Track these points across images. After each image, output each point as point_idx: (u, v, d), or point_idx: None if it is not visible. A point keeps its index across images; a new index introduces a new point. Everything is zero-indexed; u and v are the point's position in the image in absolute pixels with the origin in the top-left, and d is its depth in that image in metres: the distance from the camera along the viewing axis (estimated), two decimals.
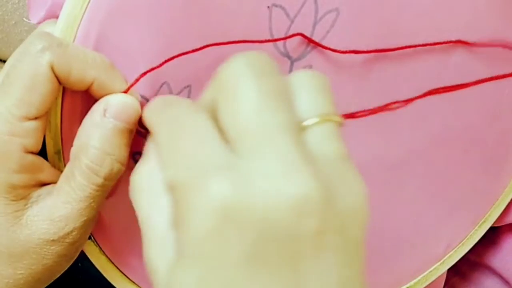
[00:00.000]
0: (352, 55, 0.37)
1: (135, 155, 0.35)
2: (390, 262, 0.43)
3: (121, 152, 0.31)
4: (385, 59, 0.37)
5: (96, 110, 0.31)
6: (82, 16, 0.32)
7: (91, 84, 0.31)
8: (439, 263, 0.44)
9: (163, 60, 0.33)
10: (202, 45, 0.34)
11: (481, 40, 0.38)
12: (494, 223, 0.46)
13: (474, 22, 0.38)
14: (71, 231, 0.32)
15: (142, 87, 0.34)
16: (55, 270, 0.33)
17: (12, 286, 0.32)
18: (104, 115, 0.31)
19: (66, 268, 0.34)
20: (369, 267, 0.42)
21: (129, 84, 0.32)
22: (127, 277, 0.38)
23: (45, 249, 0.32)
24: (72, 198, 0.31)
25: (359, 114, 0.36)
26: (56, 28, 0.32)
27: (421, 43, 0.37)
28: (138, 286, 0.38)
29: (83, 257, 0.38)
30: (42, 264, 0.32)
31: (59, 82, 0.30)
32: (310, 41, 0.35)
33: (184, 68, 0.34)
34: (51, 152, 0.34)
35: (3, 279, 0.32)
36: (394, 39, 0.37)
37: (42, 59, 0.29)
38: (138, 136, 0.35)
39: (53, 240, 0.31)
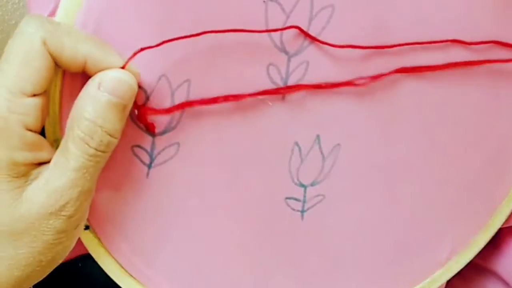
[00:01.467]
0: (349, 51, 0.37)
1: (134, 147, 0.36)
2: (393, 268, 0.42)
3: (114, 125, 0.32)
4: (382, 55, 0.38)
5: (92, 83, 0.32)
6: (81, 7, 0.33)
7: (85, 62, 0.32)
8: (443, 268, 0.43)
9: (160, 51, 0.34)
10: (198, 39, 0.35)
11: (476, 37, 0.38)
12: None
13: (469, 18, 0.38)
14: (67, 203, 0.32)
15: (139, 78, 0.34)
16: (56, 250, 0.34)
17: (14, 268, 0.33)
18: (99, 88, 0.32)
19: (67, 251, 0.35)
20: (371, 273, 0.42)
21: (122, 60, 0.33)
22: (123, 267, 0.38)
23: (44, 224, 0.32)
24: (66, 168, 0.32)
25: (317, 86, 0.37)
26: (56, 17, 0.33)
27: (416, 38, 0.37)
28: (134, 277, 0.39)
29: (83, 257, 0.39)
30: (42, 241, 0.33)
31: (54, 61, 0.32)
32: (306, 35, 0.36)
33: (183, 62, 0.35)
34: (50, 139, 0.35)
35: (4, 261, 0.33)
36: (389, 35, 0.37)
37: (35, 36, 0.31)
38: (137, 130, 0.36)
39: (50, 213, 0.32)
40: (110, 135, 0.32)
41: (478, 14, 0.38)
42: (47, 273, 0.35)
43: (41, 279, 0.35)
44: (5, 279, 0.33)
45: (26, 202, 0.32)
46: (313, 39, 0.36)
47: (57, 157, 0.33)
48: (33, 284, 0.35)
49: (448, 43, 0.38)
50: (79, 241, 0.37)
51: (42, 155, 0.33)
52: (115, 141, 0.33)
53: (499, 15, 0.39)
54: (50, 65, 0.31)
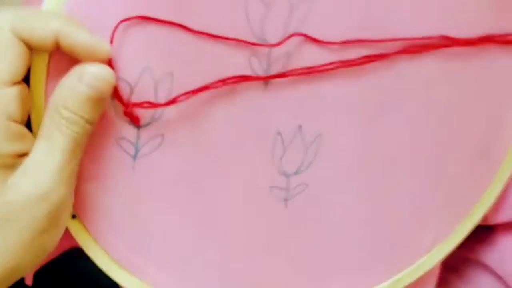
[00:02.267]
0: (331, 38, 0.38)
1: (119, 139, 0.37)
2: (377, 255, 0.43)
3: (91, 115, 0.34)
4: (366, 48, 0.38)
5: (73, 74, 0.34)
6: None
7: (57, 38, 0.33)
8: (426, 256, 0.44)
9: (141, 45, 0.35)
10: (181, 32, 0.36)
11: (464, 32, 0.39)
12: (488, 220, 0.46)
13: (457, 11, 0.38)
14: (53, 185, 0.33)
15: (123, 69, 0.35)
16: (46, 236, 0.34)
17: (5, 256, 0.33)
18: (79, 81, 0.33)
19: (57, 238, 0.35)
20: (355, 261, 0.43)
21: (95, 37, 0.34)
22: (111, 257, 0.39)
23: (33, 210, 0.33)
24: (47, 151, 0.33)
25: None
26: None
27: (401, 31, 0.38)
28: (123, 267, 0.40)
29: (80, 255, 0.40)
30: (31, 229, 0.33)
31: (27, 45, 0.33)
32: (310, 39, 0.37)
33: (167, 55, 0.36)
34: (36, 131, 0.35)
35: None
36: (372, 27, 0.38)
37: (4, 27, 0.33)
38: (122, 122, 0.37)
39: (38, 198, 0.33)
40: (88, 123, 0.34)
41: (469, 12, 0.38)
42: (41, 261, 0.36)
43: (34, 267, 0.36)
44: None
45: (13, 190, 0.33)
46: (317, 41, 0.37)
47: (39, 143, 0.34)
48: (27, 273, 0.36)
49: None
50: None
51: (27, 146, 0.34)
52: (92, 128, 0.35)
53: (492, 10, 0.39)
54: (23, 51, 0.33)
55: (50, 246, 0.35)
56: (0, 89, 0.33)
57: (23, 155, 0.34)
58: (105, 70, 0.34)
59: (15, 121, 0.33)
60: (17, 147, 0.34)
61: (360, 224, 0.42)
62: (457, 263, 0.50)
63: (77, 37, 0.33)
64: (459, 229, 0.44)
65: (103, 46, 0.34)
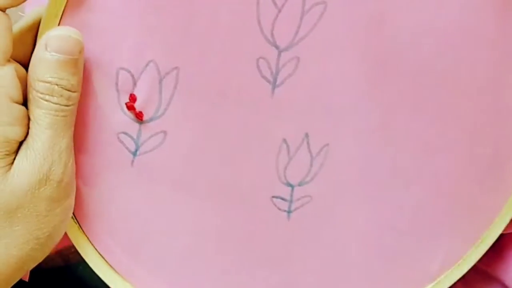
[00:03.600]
0: (341, 49, 0.37)
1: (119, 134, 0.36)
2: (380, 276, 0.41)
3: (69, 81, 0.33)
4: (376, 54, 0.37)
5: (39, 45, 0.33)
6: None
7: None
8: (433, 283, 0.42)
9: (149, 36, 0.35)
10: (189, 25, 0.35)
11: (474, 36, 0.38)
12: None
13: (464, 16, 0.38)
14: (51, 165, 0.33)
15: (127, 60, 0.35)
16: (52, 224, 0.34)
17: (12, 247, 0.33)
18: (46, 49, 0.33)
19: (63, 226, 0.35)
20: (358, 279, 0.41)
21: None
22: (105, 259, 0.38)
23: (35, 194, 0.33)
24: (39, 130, 0.33)
25: None
26: None
27: (409, 39, 0.37)
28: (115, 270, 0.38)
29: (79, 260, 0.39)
30: (37, 214, 0.33)
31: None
32: None
33: (173, 49, 0.35)
34: None
35: (2, 239, 0.33)
36: (381, 32, 0.37)
37: None
38: (123, 116, 0.36)
39: (39, 180, 0.33)
40: (67, 90, 0.33)
41: (477, 13, 0.38)
42: (46, 253, 0.35)
43: (40, 260, 0.35)
44: (4, 260, 0.33)
45: (15, 176, 0.32)
46: None
47: (30, 126, 0.33)
48: (33, 266, 0.35)
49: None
50: None
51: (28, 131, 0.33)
52: (76, 94, 0.34)
53: (498, 15, 0.38)
54: (6, 22, 0.32)
55: (57, 234, 0.35)
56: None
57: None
58: (70, 29, 0.33)
59: (17, 102, 0.33)
60: (22, 131, 0.33)
61: (363, 242, 0.40)
62: (468, 273, 0.48)
63: None
64: (467, 256, 0.43)
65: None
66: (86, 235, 0.37)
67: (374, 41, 0.37)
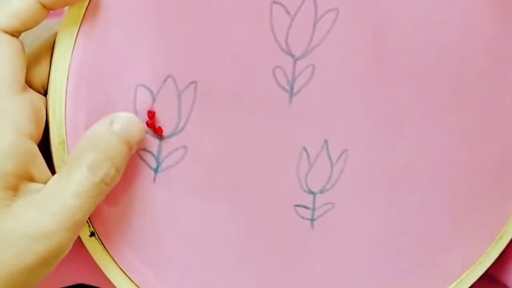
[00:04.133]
0: (356, 55, 0.37)
1: (140, 151, 0.36)
2: (404, 279, 0.41)
3: (120, 162, 0.33)
4: (388, 58, 0.38)
5: (104, 120, 0.33)
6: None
7: (42, 2, 0.31)
8: (456, 282, 0.42)
9: (165, 50, 0.34)
10: (204, 38, 0.35)
11: (477, 40, 0.38)
12: None
13: (470, 21, 0.38)
14: (58, 229, 0.31)
15: (146, 78, 0.35)
16: (32, 276, 0.31)
17: None
18: (111, 124, 0.33)
19: (41, 279, 0.32)
20: (381, 284, 0.41)
21: None
22: (130, 277, 0.37)
23: (27, 245, 0.30)
24: (66, 193, 0.31)
25: None
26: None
27: (420, 42, 0.38)
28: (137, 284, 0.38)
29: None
30: (20, 262, 0.30)
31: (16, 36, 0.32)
32: None
33: (190, 63, 0.35)
34: (56, 142, 0.34)
35: None
36: (394, 38, 0.37)
37: None
38: (145, 134, 0.36)
39: (38, 236, 0.30)
40: (116, 169, 0.33)
41: (479, 18, 0.38)
42: None
43: None
44: None
45: (13, 218, 0.30)
46: None
47: (56, 181, 0.32)
48: None
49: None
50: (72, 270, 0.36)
51: (34, 170, 0.32)
52: (118, 177, 0.33)
53: (499, 18, 0.39)
54: (18, 47, 0.31)
55: (34, 284, 0.32)
56: (8, 97, 0.31)
57: (31, 179, 0.32)
58: (135, 117, 0.34)
59: (26, 136, 0.31)
60: (24, 169, 0.31)
61: (386, 245, 0.40)
62: None
63: None
64: (488, 252, 0.43)
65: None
66: (110, 255, 0.37)
67: (386, 44, 0.37)
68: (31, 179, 0.32)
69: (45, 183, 0.32)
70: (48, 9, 0.32)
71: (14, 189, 0.31)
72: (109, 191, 0.33)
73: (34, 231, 0.30)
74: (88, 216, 0.32)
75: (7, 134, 0.30)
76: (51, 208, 0.31)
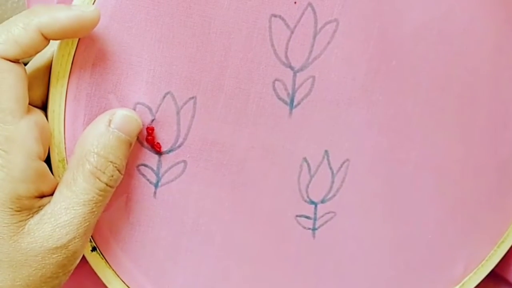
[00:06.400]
0: (355, 66, 0.37)
1: (140, 166, 0.36)
2: (406, 285, 0.42)
3: (122, 161, 0.33)
4: (389, 68, 0.37)
5: (101, 120, 0.33)
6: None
7: (40, 33, 0.31)
8: (459, 285, 0.42)
9: (164, 67, 0.34)
10: (203, 53, 0.35)
11: (480, 49, 0.38)
12: None
13: (473, 30, 0.38)
14: (74, 238, 0.32)
15: (144, 96, 0.34)
16: (51, 285, 0.33)
17: None
18: (109, 125, 0.33)
19: (60, 286, 0.34)
20: None
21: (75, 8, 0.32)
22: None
23: (46, 258, 0.32)
24: (75, 202, 0.32)
25: None
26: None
27: (421, 52, 0.37)
28: None
29: None
30: (40, 275, 0.32)
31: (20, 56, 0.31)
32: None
33: (190, 78, 0.35)
34: (55, 160, 0.34)
35: None
36: (394, 48, 0.37)
37: None
38: (142, 148, 0.35)
39: (55, 248, 0.32)
40: (118, 170, 0.33)
41: (482, 26, 0.38)
42: None
43: None
44: None
45: (29, 235, 0.31)
46: None
47: (63, 191, 0.32)
48: None
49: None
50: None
51: (45, 187, 0.32)
52: (121, 176, 0.34)
53: (502, 25, 0.38)
54: (21, 73, 0.31)
55: None
56: (14, 123, 0.31)
57: (42, 195, 0.32)
58: (133, 112, 0.34)
59: (35, 157, 0.31)
60: (36, 189, 0.32)
61: (388, 252, 0.41)
62: None
63: (59, 18, 0.31)
64: (489, 257, 0.43)
65: (88, 12, 0.32)
66: (113, 269, 0.37)
67: (387, 54, 0.37)
68: (42, 195, 0.32)
69: (54, 191, 0.33)
70: (48, 39, 0.31)
71: (29, 209, 0.32)
72: (113, 191, 0.34)
73: (51, 244, 0.32)
74: (98, 217, 0.33)
75: (18, 160, 0.31)
76: (63, 219, 0.32)
